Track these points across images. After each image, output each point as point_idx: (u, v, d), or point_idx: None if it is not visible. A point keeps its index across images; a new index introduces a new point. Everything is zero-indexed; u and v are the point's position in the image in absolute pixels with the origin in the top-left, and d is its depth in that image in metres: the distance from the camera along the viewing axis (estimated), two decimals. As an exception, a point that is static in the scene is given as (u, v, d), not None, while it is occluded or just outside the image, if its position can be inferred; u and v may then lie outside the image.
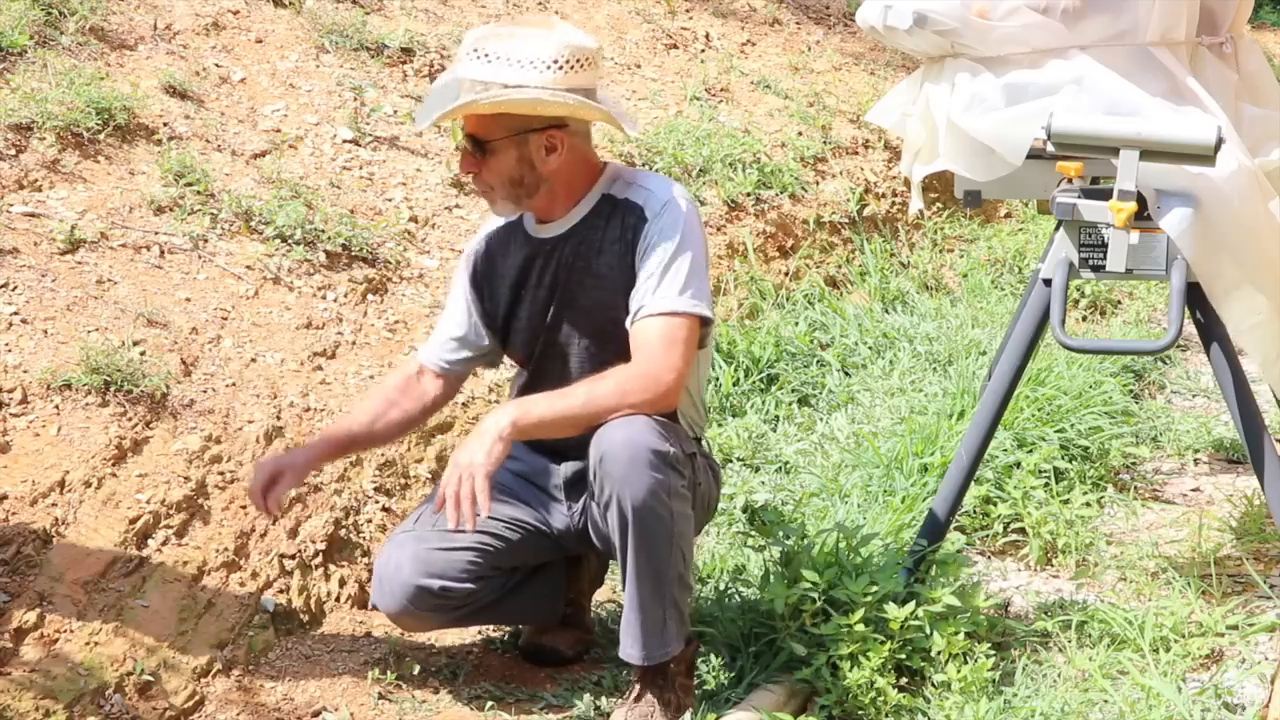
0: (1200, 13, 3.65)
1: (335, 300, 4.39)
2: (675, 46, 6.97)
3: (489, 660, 3.57)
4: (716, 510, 3.52)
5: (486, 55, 3.13)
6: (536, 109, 3.14)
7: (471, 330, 3.43)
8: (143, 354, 3.79)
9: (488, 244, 3.41)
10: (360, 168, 5.04)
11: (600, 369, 3.19)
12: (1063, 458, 4.42)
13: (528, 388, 3.36)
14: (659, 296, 3.13)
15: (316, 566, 3.68)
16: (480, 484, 2.96)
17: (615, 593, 3.68)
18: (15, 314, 3.75)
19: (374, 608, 3.42)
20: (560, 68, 3.13)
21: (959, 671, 3.25)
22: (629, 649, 3.14)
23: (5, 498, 3.33)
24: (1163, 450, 4.84)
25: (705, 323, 3.18)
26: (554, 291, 3.29)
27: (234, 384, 3.90)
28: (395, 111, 5.39)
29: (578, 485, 3.33)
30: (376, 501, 3.90)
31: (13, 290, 3.82)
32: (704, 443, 3.44)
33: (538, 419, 3.07)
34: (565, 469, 3.36)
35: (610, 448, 3.02)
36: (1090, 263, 3.44)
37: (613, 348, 3.22)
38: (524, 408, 3.08)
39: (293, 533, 3.68)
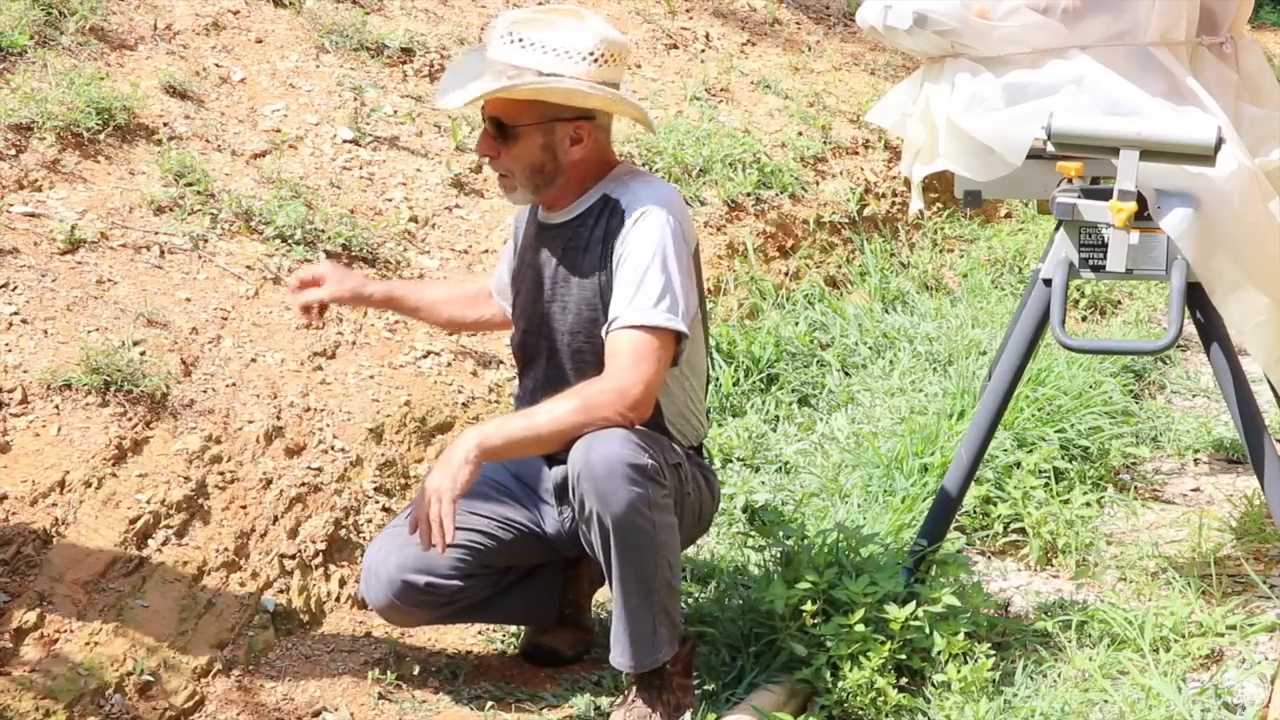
0: (1200, 13, 3.64)
1: (335, 300, 4.39)
2: (675, 46, 6.97)
3: (489, 660, 3.57)
4: (712, 520, 3.48)
5: (521, 40, 3.10)
6: (572, 100, 3.12)
7: (507, 272, 3.52)
8: (143, 354, 3.79)
9: (529, 206, 3.42)
10: (360, 168, 5.03)
11: (589, 370, 3.18)
12: (1063, 458, 4.42)
13: (524, 386, 3.36)
14: (633, 308, 3.09)
15: (316, 566, 3.67)
16: (447, 509, 2.95)
17: (615, 593, 3.68)
18: (15, 314, 3.75)
19: (363, 601, 3.42)
20: (596, 60, 3.11)
21: (959, 671, 3.25)
22: (618, 658, 3.14)
23: (5, 498, 3.33)
24: (1163, 450, 4.84)
25: (681, 338, 3.14)
26: (544, 281, 3.29)
27: (234, 384, 3.90)
28: (395, 111, 5.39)
29: (567, 490, 3.30)
30: (376, 501, 3.90)
31: (13, 290, 3.82)
32: (702, 451, 3.42)
33: (505, 440, 3.03)
34: (555, 473, 3.32)
35: (586, 463, 2.98)
36: (1090, 263, 3.44)
37: (599, 348, 3.19)
38: (492, 428, 3.05)
39: (293, 533, 3.68)
